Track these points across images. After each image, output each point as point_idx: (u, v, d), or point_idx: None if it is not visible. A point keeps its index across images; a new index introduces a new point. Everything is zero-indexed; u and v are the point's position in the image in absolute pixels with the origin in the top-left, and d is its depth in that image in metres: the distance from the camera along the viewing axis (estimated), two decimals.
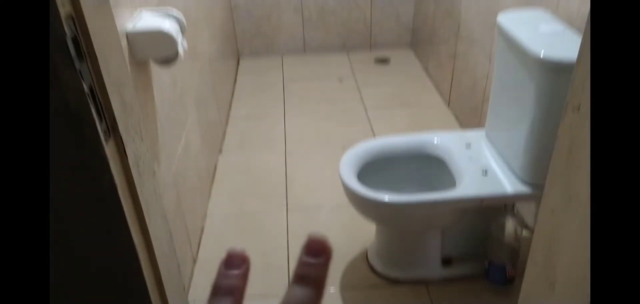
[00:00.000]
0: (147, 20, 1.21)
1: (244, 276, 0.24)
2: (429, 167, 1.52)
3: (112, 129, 0.59)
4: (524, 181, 1.30)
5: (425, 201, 1.31)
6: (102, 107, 0.57)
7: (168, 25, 1.20)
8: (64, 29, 0.49)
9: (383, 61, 3.04)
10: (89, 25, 0.52)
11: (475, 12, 2.09)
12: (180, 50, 1.24)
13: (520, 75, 1.28)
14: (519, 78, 1.29)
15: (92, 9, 0.53)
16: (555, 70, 1.17)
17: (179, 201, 1.53)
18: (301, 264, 0.23)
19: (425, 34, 2.88)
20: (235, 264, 0.24)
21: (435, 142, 1.52)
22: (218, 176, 2.10)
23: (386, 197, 1.31)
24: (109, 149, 0.58)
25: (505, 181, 1.32)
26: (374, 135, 2.31)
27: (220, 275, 0.24)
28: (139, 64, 1.25)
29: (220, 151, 2.27)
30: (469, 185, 1.32)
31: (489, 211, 1.39)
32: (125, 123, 0.63)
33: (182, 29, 1.29)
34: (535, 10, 1.45)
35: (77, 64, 0.51)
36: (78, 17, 0.51)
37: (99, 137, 0.55)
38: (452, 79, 2.44)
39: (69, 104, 0.53)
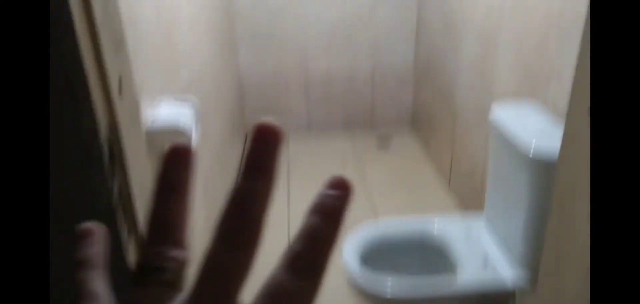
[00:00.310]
0: (165, 112, 1.30)
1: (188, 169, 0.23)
2: (430, 253, 1.55)
3: (134, 230, 0.65)
4: (524, 272, 1.33)
5: (425, 296, 1.33)
6: (125, 208, 0.63)
7: (184, 119, 1.28)
8: (101, 145, 0.56)
9: (385, 141, 3.14)
10: (122, 138, 0.60)
11: (471, 100, 2.20)
12: (194, 141, 1.32)
13: (513, 166, 1.35)
14: (512, 169, 1.36)
15: (126, 123, 0.61)
16: (546, 167, 1.23)
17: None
18: (320, 195, 0.21)
19: (424, 116, 3.00)
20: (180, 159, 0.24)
21: (435, 227, 1.57)
22: None
23: (388, 291, 1.34)
24: (131, 247, 0.64)
25: (506, 272, 1.35)
26: (377, 216, 2.35)
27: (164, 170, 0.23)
28: (152, 157, 1.32)
29: None
30: (470, 275, 1.35)
31: (490, 301, 1.41)
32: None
33: (197, 116, 1.38)
34: (527, 104, 1.53)
35: (108, 176, 0.58)
36: (113, 132, 0.59)
37: (121, 237, 0.61)
38: (451, 161, 2.51)
39: (98, 209, 0.59)
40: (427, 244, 1.56)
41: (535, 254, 1.30)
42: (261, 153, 0.22)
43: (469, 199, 2.29)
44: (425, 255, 1.56)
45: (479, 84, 2.10)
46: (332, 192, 0.22)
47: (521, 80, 1.71)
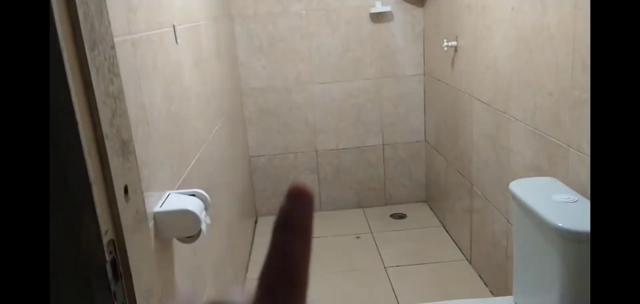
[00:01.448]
0: (174, 201, 1.27)
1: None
2: None
3: None
4: None
5: None
6: None
7: (193, 205, 1.25)
8: (105, 255, 0.52)
9: (399, 217, 3.07)
10: (127, 247, 0.56)
11: (486, 174, 2.16)
12: (203, 227, 1.28)
13: (541, 243, 1.28)
14: (540, 246, 1.29)
15: (132, 231, 0.57)
16: (577, 241, 1.17)
17: None
18: (284, 209, 0.21)
19: (438, 190, 2.94)
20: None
21: None
22: None
23: None
24: None
25: None
26: (396, 296, 2.25)
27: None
28: (163, 242, 1.28)
29: None
30: None
31: None
32: None
33: (206, 206, 1.34)
34: (546, 179, 1.49)
35: (113, 286, 0.53)
36: (119, 241, 0.55)
37: None
38: (471, 235, 2.43)
39: None
40: None
41: None
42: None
43: (492, 276, 2.19)
44: None
45: (493, 158, 2.07)
46: (292, 204, 0.21)
47: (538, 153, 1.67)
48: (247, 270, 2.60)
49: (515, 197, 1.40)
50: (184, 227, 1.26)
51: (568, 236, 1.18)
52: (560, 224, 1.19)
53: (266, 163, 3.15)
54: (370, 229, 2.93)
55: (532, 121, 1.70)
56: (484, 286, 2.27)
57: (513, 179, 1.89)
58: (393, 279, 2.38)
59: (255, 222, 3.17)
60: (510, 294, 1.99)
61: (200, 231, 1.26)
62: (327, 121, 3.10)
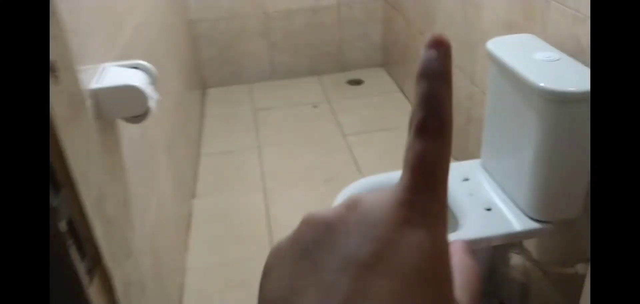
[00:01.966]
0: (114, 75, 1.07)
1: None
2: None
3: (96, 263, 0.46)
4: (532, 217, 1.23)
5: None
6: (83, 241, 0.44)
7: (137, 79, 1.06)
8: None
9: (356, 83, 2.96)
10: (64, 146, 0.40)
11: (452, 34, 2.04)
12: (152, 104, 1.11)
13: (519, 106, 1.22)
14: (518, 109, 1.23)
15: (67, 122, 0.41)
16: (559, 102, 1.11)
17: (156, 262, 1.38)
18: (425, 60, 0.21)
19: (397, 53, 2.83)
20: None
21: None
22: (194, 224, 1.95)
23: None
24: (93, 290, 0.45)
25: (512, 218, 1.24)
26: (357, 164, 2.22)
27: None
28: (106, 124, 1.10)
29: (193, 195, 2.12)
30: (474, 226, 1.24)
31: (495, 248, 1.32)
32: (111, 246, 0.50)
33: (153, 80, 1.15)
34: (524, 36, 1.39)
35: (52, 201, 0.38)
36: (52, 139, 0.39)
37: (80, 284, 0.43)
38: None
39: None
40: None
41: (546, 202, 1.20)
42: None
43: (453, 139, 2.18)
44: None
45: (461, 16, 1.94)
46: (433, 52, 0.21)
47: (513, 7, 1.56)
48: (200, 144, 2.46)
49: (493, 57, 1.30)
50: (129, 105, 1.07)
51: (550, 97, 1.11)
52: (542, 85, 1.12)
53: (210, 28, 2.87)
54: (327, 97, 2.82)
55: None
56: None
57: (483, 38, 1.79)
58: (353, 147, 2.34)
59: (204, 93, 2.97)
60: (472, 157, 2.00)
61: (148, 109, 1.09)
62: None
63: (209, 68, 2.97)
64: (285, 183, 2.13)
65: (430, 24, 2.25)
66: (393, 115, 2.60)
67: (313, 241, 0.20)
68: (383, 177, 1.48)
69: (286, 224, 1.89)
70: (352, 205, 0.21)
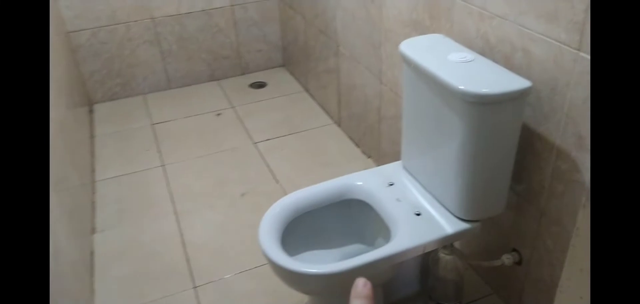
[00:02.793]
0: None
1: None
2: (357, 214, 1.41)
3: None
4: (461, 218, 1.26)
5: (364, 263, 1.19)
6: None
7: None
8: None
9: (259, 86, 2.87)
10: None
11: (354, 32, 2.04)
12: None
13: (439, 107, 1.23)
14: (437, 110, 1.24)
15: None
16: (480, 104, 1.13)
17: None
18: None
19: (298, 52, 2.78)
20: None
21: (357, 185, 1.42)
22: (98, 264, 1.73)
23: (314, 269, 1.16)
24: None
25: (442, 221, 1.26)
26: (272, 172, 2.14)
27: None
28: None
29: (93, 230, 1.88)
30: (406, 234, 1.24)
31: (431, 251, 1.33)
32: None
33: None
34: (435, 36, 1.41)
35: None
36: None
37: None
38: (339, 99, 2.37)
39: None
40: (350, 204, 1.41)
41: (473, 202, 1.23)
42: None
43: (364, 137, 2.20)
44: (351, 215, 1.42)
45: (363, 14, 1.94)
46: None
47: (417, 6, 1.58)
48: (93, 170, 2.20)
49: (408, 60, 1.30)
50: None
51: (472, 100, 1.13)
52: (462, 88, 1.14)
53: (90, 39, 2.58)
54: (231, 103, 2.69)
55: None
56: (356, 147, 2.28)
57: (387, 37, 1.81)
58: (265, 155, 2.25)
59: (91, 111, 2.67)
60: (387, 155, 2.03)
61: None
62: None
63: (94, 82, 2.68)
64: (199, 202, 1.98)
65: (330, 22, 2.24)
66: (301, 115, 2.55)
67: None
68: (307, 192, 1.42)
69: (205, 249, 1.76)
70: None
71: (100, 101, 2.73)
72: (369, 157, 2.19)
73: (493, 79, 1.15)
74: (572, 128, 1.10)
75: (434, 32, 1.53)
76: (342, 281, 1.19)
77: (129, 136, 2.43)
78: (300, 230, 1.38)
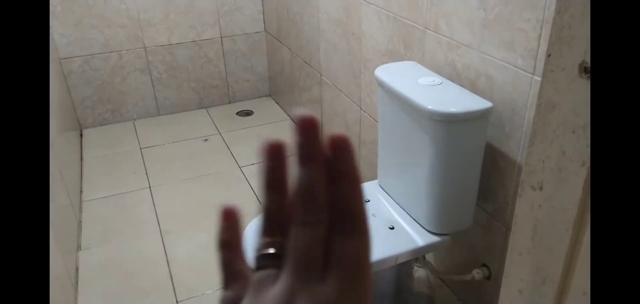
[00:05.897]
0: None
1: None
2: None
3: None
4: (431, 231, 1.34)
5: None
6: None
7: None
8: None
9: (246, 114, 2.96)
10: None
11: (336, 62, 2.15)
12: None
13: (410, 127, 1.32)
14: (409, 130, 1.33)
15: None
16: (446, 122, 1.23)
17: None
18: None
19: (284, 82, 2.89)
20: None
21: None
22: (83, 281, 1.76)
23: None
24: None
25: (414, 234, 1.34)
26: (256, 194, 2.20)
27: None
28: None
29: (78, 247, 1.92)
30: (380, 246, 1.31)
31: (400, 265, 1.40)
32: None
33: None
34: (407, 63, 1.52)
35: None
36: None
37: None
38: (322, 125, 2.46)
39: None
40: None
41: (443, 215, 1.31)
42: (308, 146, 0.21)
43: None
44: None
45: (344, 46, 2.06)
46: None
47: (393, 37, 1.70)
48: (81, 191, 2.25)
49: (382, 84, 1.40)
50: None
51: (439, 118, 1.23)
52: (430, 107, 1.23)
53: (83, 66, 2.66)
54: (218, 130, 2.77)
55: (386, 3, 1.69)
56: None
57: (366, 66, 1.92)
58: (250, 178, 2.32)
59: (81, 135, 2.73)
60: (366, 178, 2.11)
61: None
62: (154, 12, 2.71)
63: (84, 107, 2.74)
64: (184, 223, 2.03)
65: (314, 53, 2.35)
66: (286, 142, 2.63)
67: None
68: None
69: (189, 268, 1.81)
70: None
71: (90, 126, 2.79)
72: None
73: (458, 100, 1.25)
74: None
75: (407, 60, 1.64)
76: None
77: (117, 160, 2.49)
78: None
